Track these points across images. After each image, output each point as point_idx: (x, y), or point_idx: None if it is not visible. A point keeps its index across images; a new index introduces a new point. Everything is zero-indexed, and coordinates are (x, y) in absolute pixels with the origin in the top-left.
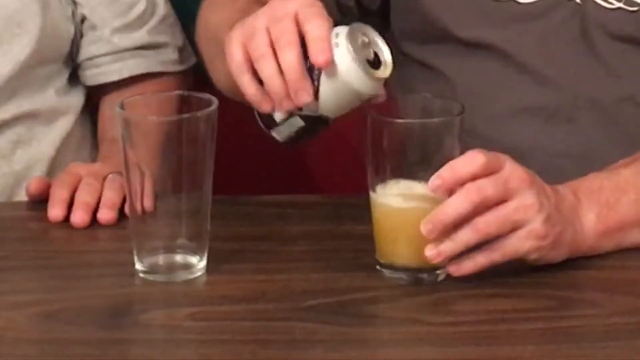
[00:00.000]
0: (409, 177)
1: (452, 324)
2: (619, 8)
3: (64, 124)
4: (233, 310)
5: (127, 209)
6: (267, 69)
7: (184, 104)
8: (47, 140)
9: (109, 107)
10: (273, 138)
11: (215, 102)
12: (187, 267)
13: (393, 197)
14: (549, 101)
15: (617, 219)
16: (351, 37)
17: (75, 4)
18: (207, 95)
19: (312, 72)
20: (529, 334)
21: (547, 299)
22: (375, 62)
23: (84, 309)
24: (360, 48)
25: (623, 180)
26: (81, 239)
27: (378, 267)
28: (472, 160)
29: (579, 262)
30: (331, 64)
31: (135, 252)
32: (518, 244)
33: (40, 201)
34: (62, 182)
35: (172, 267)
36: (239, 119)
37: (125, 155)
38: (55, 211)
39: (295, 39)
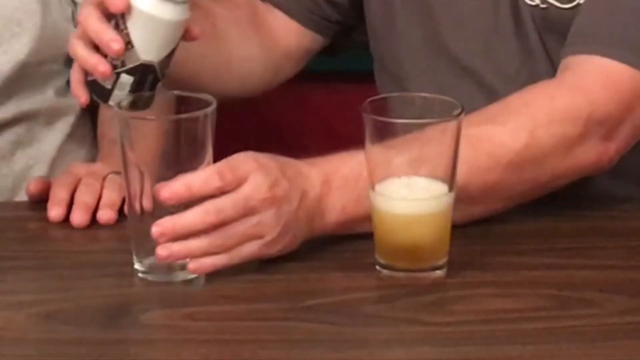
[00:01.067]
0: (408, 177)
1: (452, 324)
2: (537, 5)
3: (64, 125)
4: (233, 310)
5: (126, 209)
6: (78, 50)
7: (182, 104)
8: (47, 141)
9: (108, 109)
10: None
11: (214, 102)
12: (187, 267)
13: (392, 196)
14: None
15: (361, 213)
16: None
17: (75, 4)
18: (206, 95)
19: (119, 24)
20: (529, 334)
21: (547, 299)
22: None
23: (83, 309)
24: None
25: None
26: (81, 239)
27: (378, 267)
28: (207, 181)
29: (579, 262)
30: (129, 6)
31: (134, 253)
32: (255, 251)
33: (40, 201)
34: (62, 182)
35: (171, 267)
36: (239, 118)
37: (124, 155)
38: (55, 211)
39: (93, 10)
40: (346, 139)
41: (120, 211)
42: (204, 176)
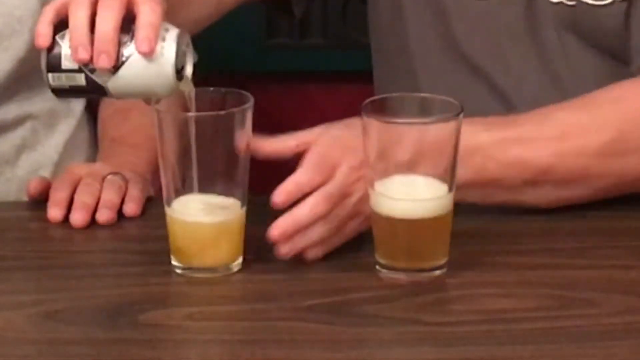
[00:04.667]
0: (408, 176)
1: (452, 324)
2: (561, 2)
3: (66, 127)
4: (233, 310)
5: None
6: (77, 17)
7: (220, 101)
8: (50, 144)
9: (109, 106)
10: (47, 79)
11: (251, 99)
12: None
13: (392, 196)
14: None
15: None
16: (179, 41)
17: None
18: (243, 92)
19: (125, 46)
20: (529, 334)
21: (547, 299)
22: (180, 73)
23: (84, 309)
24: (180, 55)
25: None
26: (81, 239)
27: (378, 267)
28: (311, 177)
29: (579, 262)
30: (151, 55)
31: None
32: (359, 228)
33: (40, 201)
34: (62, 182)
35: None
36: None
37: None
38: (54, 211)
39: (119, 6)
40: None
41: (120, 211)
42: (305, 172)
